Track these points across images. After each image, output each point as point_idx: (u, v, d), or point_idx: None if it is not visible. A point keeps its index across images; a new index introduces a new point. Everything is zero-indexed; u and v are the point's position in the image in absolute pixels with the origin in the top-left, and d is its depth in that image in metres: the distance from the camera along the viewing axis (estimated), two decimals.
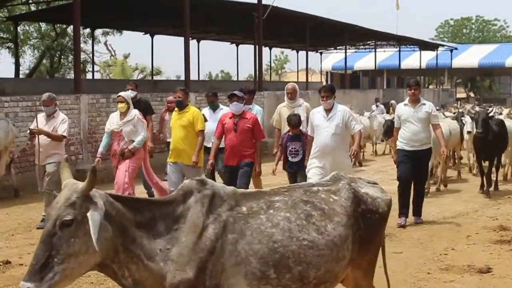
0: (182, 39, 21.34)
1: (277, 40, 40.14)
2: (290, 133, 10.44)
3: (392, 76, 57.23)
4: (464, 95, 60.31)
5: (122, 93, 11.11)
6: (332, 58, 57.22)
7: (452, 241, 9.53)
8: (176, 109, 11.14)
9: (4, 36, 36.54)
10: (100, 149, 11.02)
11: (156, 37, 33.84)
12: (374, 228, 4.91)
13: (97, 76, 46.61)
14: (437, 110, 20.98)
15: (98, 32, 37.91)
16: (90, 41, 35.78)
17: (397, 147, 10.98)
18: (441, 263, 8.37)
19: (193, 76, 29.74)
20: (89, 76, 39.47)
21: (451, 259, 8.53)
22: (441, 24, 78.94)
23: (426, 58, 49.51)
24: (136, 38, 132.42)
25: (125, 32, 38.48)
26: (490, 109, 17.10)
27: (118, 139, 10.80)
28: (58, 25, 35.81)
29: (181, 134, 10.74)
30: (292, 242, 4.39)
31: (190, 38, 23.86)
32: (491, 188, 13.72)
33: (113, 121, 10.96)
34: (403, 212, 10.67)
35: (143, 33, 34.22)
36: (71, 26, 28.00)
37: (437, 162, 14.13)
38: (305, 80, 35.18)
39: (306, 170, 9.72)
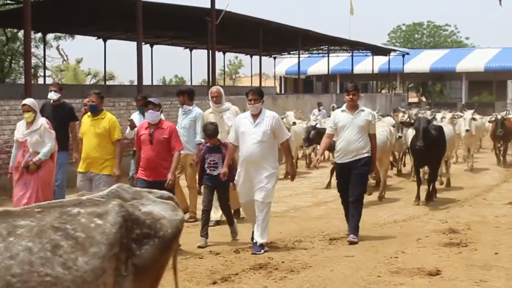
0: (135, 43, 21.20)
1: (230, 45, 40.18)
2: (208, 144, 9.78)
3: (345, 80, 57.42)
4: (416, 99, 61.08)
5: (27, 101, 10.04)
6: (286, 63, 57.57)
7: (403, 244, 9.62)
8: (89, 113, 10.17)
9: None
10: (11, 164, 10.15)
11: (109, 41, 33.56)
12: (155, 254, 4.30)
13: (49, 81, 46.04)
14: (388, 115, 21.20)
15: (50, 36, 37.52)
16: (42, 46, 35.37)
17: (335, 160, 10.45)
18: (391, 266, 8.43)
19: (147, 81, 29.61)
20: (40, 81, 39.04)
21: (401, 262, 8.60)
22: (393, 29, 79.80)
23: (379, 63, 50.18)
24: (88, 42, 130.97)
25: (77, 36, 38.08)
26: (436, 115, 17.11)
27: (23, 150, 9.92)
28: (8, 29, 35.31)
29: (95, 141, 9.87)
30: (32, 278, 3.82)
31: (143, 43, 23.77)
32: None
33: (18, 130, 10.09)
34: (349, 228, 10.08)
35: (96, 37, 33.91)
36: (22, 31, 27.69)
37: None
38: (258, 84, 35.23)
39: (235, 180, 9.35)
